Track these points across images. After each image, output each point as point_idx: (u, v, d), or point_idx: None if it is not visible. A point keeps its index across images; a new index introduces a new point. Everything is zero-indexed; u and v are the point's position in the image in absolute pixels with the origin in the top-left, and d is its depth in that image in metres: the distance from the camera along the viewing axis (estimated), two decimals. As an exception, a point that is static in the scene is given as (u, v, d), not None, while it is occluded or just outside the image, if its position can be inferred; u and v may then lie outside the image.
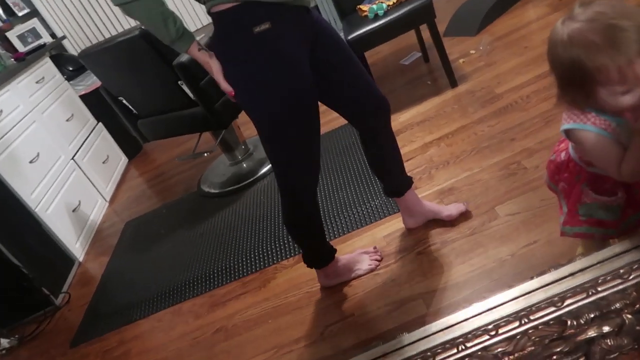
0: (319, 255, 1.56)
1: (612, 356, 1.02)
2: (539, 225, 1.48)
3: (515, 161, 1.76)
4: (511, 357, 0.97)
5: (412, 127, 2.25)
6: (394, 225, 1.74)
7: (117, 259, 2.37)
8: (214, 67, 1.19)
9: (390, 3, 2.22)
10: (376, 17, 2.22)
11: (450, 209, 1.63)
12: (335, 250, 1.58)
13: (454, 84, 2.36)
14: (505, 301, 0.95)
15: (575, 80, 0.83)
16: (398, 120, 2.33)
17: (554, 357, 1.00)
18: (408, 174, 1.65)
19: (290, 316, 1.60)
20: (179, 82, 2.08)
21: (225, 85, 1.19)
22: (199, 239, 2.20)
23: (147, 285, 2.06)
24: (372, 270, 1.61)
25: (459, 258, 1.51)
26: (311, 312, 1.58)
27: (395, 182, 1.62)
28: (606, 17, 0.78)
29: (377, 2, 2.25)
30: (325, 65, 1.29)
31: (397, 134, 2.24)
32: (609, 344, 0.99)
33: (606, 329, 0.95)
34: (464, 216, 1.62)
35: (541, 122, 1.87)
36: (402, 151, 2.09)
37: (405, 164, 2.01)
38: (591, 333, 0.96)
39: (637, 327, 0.97)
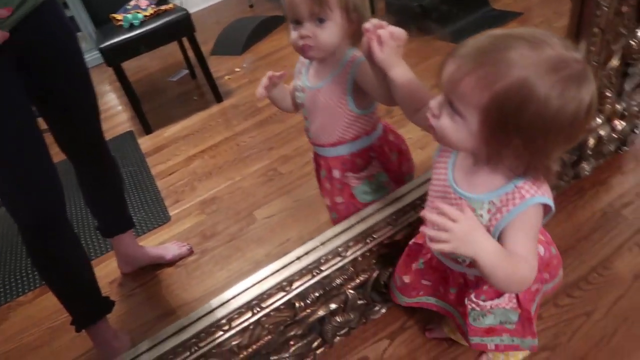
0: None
1: (342, 332, 1.09)
2: (292, 224, 1.55)
3: (273, 168, 1.83)
4: (249, 349, 0.96)
5: (177, 142, 2.18)
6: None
7: None
8: None
9: (147, 14, 2.14)
10: (132, 27, 2.10)
11: (174, 250, 1.54)
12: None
13: (219, 99, 2.38)
14: (237, 293, 0.93)
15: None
16: (163, 136, 2.24)
17: (291, 342, 1.02)
18: (128, 215, 1.45)
19: (24, 360, 1.35)
20: None
21: None
22: None
23: None
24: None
25: (219, 265, 1.49)
26: (53, 349, 1.36)
27: (109, 221, 1.42)
28: None
29: (132, 12, 2.14)
30: (49, 94, 1.09)
31: (162, 149, 2.16)
32: (338, 320, 1.05)
33: (333, 306, 1.01)
34: (206, 238, 1.59)
35: (295, 132, 2.00)
36: (166, 165, 2.04)
37: (169, 178, 1.96)
38: (321, 312, 1.01)
39: (359, 302, 1.06)
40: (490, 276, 0.67)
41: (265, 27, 2.96)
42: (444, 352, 1.11)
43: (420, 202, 1.03)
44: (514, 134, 0.60)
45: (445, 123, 0.65)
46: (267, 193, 1.71)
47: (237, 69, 2.66)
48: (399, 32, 0.78)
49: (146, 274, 1.52)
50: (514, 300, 0.83)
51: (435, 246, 0.65)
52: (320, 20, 0.89)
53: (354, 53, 0.96)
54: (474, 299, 0.83)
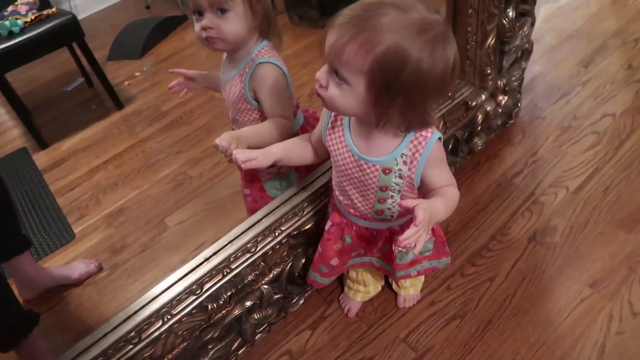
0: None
1: (262, 328, 1.09)
2: (206, 227, 1.52)
3: (182, 171, 1.78)
4: (165, 359, 0.92)
5: (77, 154, 2.04)
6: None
7: None
8: None
9: (28, 20, 1.98)
10: (11, 34, 1.94)
11: (80, 268, 1.44)
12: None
13: (120, 106, 2.27)
14: (145, 303, 0.89)
15: None
16: (60, 149, 2.09)
17: (209, 345, 1.00)
18: (22, 234, 1.33)
19: None
20: None
21: None
22: None
23: None
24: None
25: (132, 278, 1.42)
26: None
27: (2, 244, 1.28)
28: None
29: (10, 18, 1.97)
30: None
31: (60, 163, 2.02)
32: (256, 317, 1.04)
33: (248, 303, 1.00)
34: (115, 252, 1.51)
35: (204, 133, 1.95)
36: (66, 180, 1.91)
37: (70, 194, 1.83)
38: (236, 311, 0.99)
39: (276, 296, 1.06)
40: (441, 219, 0.78)
41: (165, 28, 2.85)
42: (364, 334, 1.15)
43: (325, 190, 1.04)
44: (397, 94, 0.65)
45: (333, 92, 0.69)
46: (177, 198, 1.66)
47: (137, 73, 2.54)
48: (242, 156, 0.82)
49: (52, 297, 1.41)
50: (430, 232, 0.94)
51: (417, 249, 0.70)
52: (222, 11, 0.88)
53: (260, 50, 0.95)
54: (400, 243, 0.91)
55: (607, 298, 1.11)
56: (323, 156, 0.92)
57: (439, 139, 0.77)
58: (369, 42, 0.62)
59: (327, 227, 0.96)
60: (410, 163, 0.77)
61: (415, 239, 0.68)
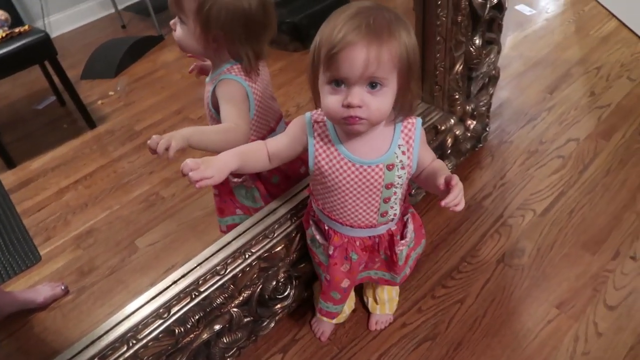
0: None
1: (231, 352, 1.07)
2: (177, 249, 1.50)
3: (154, 192, 1.76)
4: (129, 386, 0.89)
5: (47, 174, 2.00)
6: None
7: None
8: None
9: (-1, 37, 1.95)
10: (-20, 52, 1.91)
11: (46, 291, 1.40)
12: None
13: (92, 125, 2.24)
14: (110, 328, 0.87)
15: None
16: (29, 169, 2.05)
17: (177, 371, 0.97)
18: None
19: None
20: None
21: None
22: None
23: None
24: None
25: (99, 301, 1.38)
26: None
27: None
28: None
29: (-20, 36, 1.94)
30: None
31: (28, 183, 1.97)
32: (225, 341, 1.02)
33: (217, 327, 0.98)
34: (83, 275, 1.47)
35: (177, 153, 1.93)
36: (33, 201, 1.86)
37: (38, 214, 1.79)
38: (205, 335, 0.97)
39: (246, 319, 1.04)
40: None
41: (140, 48, 2.84)
42: (336, 356, 1.14)
43: (295, 212, 1.04)
44: (412, 78, 0.73)
45: (375, 103, 0.71)
46: (149, 219, 1.64)
47: (111, 93, 2.52)
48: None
49: (14, 321, 1.37)
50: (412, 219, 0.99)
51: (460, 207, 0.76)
52: (181, 20, 0.92)
53: (229, 67, 0.96)
54: (402, 242, 0.95)
55: (573, 319, 1.13)
56: (276, 165, 0.90)
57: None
58: (395, 48, 0.68)
59: (330, 253, 0.94)
60: (407, 151, 0.82)
61: (460, 198, 0.74)
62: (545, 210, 1.40)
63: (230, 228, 1.10)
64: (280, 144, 0.88)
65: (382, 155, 0.80)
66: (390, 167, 0.81)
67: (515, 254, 1.29)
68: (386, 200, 0.86)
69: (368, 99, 0.70)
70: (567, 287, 1.20)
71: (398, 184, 0.84)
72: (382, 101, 0.71)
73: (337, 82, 0.70)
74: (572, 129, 1.67)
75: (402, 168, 0.82)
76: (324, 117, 0.82)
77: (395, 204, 0.89)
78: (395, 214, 0.91)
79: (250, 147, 0.88)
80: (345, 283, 0.98)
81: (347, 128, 0.75)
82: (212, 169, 0.76)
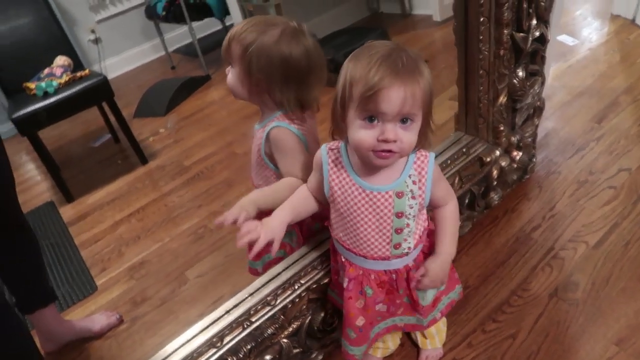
0: None
1: (280, 384, 1.07)
2: (225, 280, 1.53)
3: (203, 225, 1.81)
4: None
5: (102, 207, 2.11)
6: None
7: None
8: None
9: (62, 81, 2.10)
10: (46, 94, 2.06)
11: (101, 320, 1.46)
12: None
13: (144, 161, 2.35)
14: (166, 356, 0.90)
15: None
16: (86, 203, 2.17)
17: (228, 401, 0.98)
18: (49, 287, 1.35)
19: None
20: None
21: None
22: None
23: None
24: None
25: (150, 331, 1.43)
26: None
27: (28, 296, 1.32)
28: None
29: (46, 79, 2.10)
30: None
31: (85, 217, 2.08)
32: (276, 372, 1.03)
33: (268, 357, 0.99)
34: (136, 305, 1.53)
35: (224, 187, 2.00)
36: (90, 233, 1.96)
37: (94, 246, 1.88)
38: (256, 366, 0.99)
39: (295, 350, 1.05)
40: (454, 250, 0.94)
41: (189, 87, 2.99)
42: (385, 390, 1.13)
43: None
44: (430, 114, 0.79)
45: (407, 137, 0.75)
46: (197, 251, 1.69)
47: (162, 130, 2.65)
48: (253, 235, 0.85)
49: (73, 349, 1.42)
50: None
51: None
52: (231, 66, 0.96)
53: (277, 117, 0.97)
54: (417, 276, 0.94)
55: (634, 357, 1.08)
56: (325, 203, 0.93)
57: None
58: (421, 84, 0.73)
59: (345, 285, 0.94)
60: (419, 182, 0.83)
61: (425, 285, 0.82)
62: (598, 242, 1.35)
63: (267, 267, 1.10)
64: (314, 183, 0.92)
65: (392, 182, 0.82)
66: (399, 195, 0.82)
67: (569, 288, 1.25)
68: (398, 231, 0.86)
69: (401, 134, 0.74)
70: (626, 324, 1.15)
71: (409, 214, 0.84)
72: (412, 135, 0.76)
73: (371, 117, 0.74)
74: (623, 159, 1.62)
75: (413, 197, 0.83)
76: (338, 144, 0.87)
77: (409, 236, 0.88)
78: (409, 247, 0.89)
79: (299, 199, 0.93)
80: (360, 321, 0.95)
81: (375, 161, 0.77)
82: (270, 232, 0.86)
